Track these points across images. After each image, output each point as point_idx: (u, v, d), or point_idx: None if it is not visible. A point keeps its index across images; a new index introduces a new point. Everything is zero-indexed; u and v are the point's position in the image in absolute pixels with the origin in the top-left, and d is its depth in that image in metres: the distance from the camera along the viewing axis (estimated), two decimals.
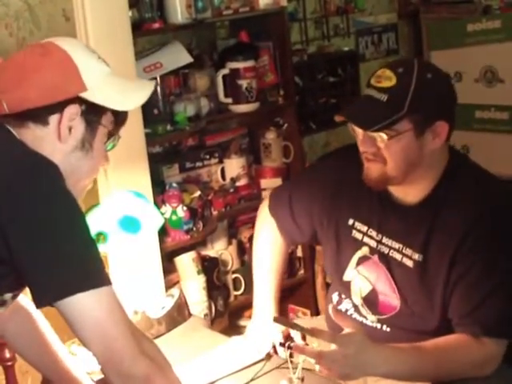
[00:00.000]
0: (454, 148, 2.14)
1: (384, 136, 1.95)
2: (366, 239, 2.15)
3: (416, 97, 1.93)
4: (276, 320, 2.10)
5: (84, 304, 1.48)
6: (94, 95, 1.61)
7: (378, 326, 2.14)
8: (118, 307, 1.54)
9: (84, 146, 1.64)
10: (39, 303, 1.52)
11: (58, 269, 1.47)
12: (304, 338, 2.07)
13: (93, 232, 2.16)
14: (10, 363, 2.14)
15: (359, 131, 2.02)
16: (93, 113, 1.63)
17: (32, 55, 1.61)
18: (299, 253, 3.74)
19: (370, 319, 2.15)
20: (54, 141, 1.61)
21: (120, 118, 1.70)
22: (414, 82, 1.94)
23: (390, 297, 2.10)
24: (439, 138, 1.99)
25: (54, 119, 1.60)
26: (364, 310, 2.17)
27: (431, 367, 1.93)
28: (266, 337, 2.18)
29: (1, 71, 1.63)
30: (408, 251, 2.06)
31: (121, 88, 1.68)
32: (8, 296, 1.64)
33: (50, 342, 1.95)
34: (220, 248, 3.56)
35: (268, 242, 2.38)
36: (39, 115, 1.59)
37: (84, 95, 1.60)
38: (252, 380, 2.06)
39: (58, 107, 1.59)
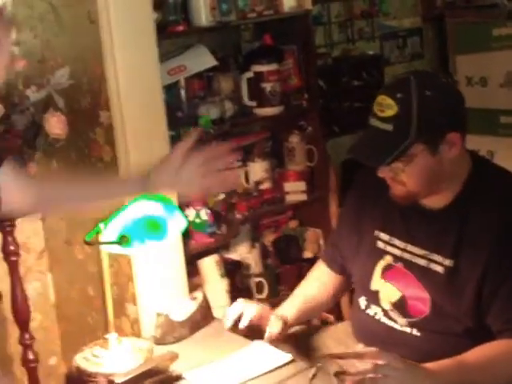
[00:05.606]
0: (476, 153, 2.14)
1: (400, 165, 1.96)
2: (388, 248, 2.16)
3: (420, 119, 1.92)
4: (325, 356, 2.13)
5: None
6: None
7: (408, 330, 2.11)
8: None
9: None
10: None
11: None
12: None
13: (117, 234, 2.17)
14: (33, 365, 2.14)
15: None
16: None
17: None
18: None
19: (400, 323, 2.13)
20: None
21: None
22: (415, 105, 1.92)
23: (420, 300, 2.09)
24: (455, 147, 1.98)
25: None
26: (394, 314, 2.15)
27: (477, 378, 1.92)
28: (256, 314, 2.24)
29: None
30: (436, 257, 2.05)
31: None
32: None
33: None
34: (243, 251, 3.55)
35: (315, 275, 2.44)
36: None
37: None
38: None
39: None
